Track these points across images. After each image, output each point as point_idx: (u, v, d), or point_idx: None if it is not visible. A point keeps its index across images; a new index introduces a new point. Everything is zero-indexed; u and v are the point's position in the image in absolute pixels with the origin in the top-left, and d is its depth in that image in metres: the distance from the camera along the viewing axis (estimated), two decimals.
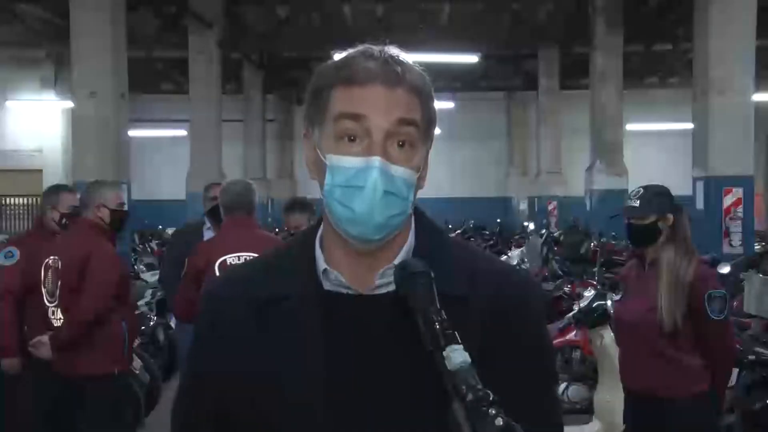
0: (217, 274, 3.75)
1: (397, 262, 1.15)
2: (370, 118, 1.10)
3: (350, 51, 1.16)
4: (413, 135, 1.13)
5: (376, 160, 1.09)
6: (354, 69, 1.13)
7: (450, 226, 14.76)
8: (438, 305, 1.04)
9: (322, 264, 1.18)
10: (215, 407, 1.21)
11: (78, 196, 4.59)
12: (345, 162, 1.11)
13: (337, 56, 1.18)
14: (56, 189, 4.70)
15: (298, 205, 4.99)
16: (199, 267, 3.91)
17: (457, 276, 1.15)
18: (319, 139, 1.16)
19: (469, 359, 0.97)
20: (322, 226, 1.22)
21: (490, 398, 0.93)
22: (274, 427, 1.14)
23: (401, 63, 1.14)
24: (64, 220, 4.43)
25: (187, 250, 5.15)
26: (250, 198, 4.08)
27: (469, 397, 0.93)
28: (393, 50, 1.16)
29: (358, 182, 1.09)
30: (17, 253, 4.36)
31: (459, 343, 0.99)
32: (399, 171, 1.11)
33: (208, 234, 5.21)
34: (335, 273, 1.16)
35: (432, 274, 1.07)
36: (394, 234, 1.14)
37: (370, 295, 1.15)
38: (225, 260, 3.79)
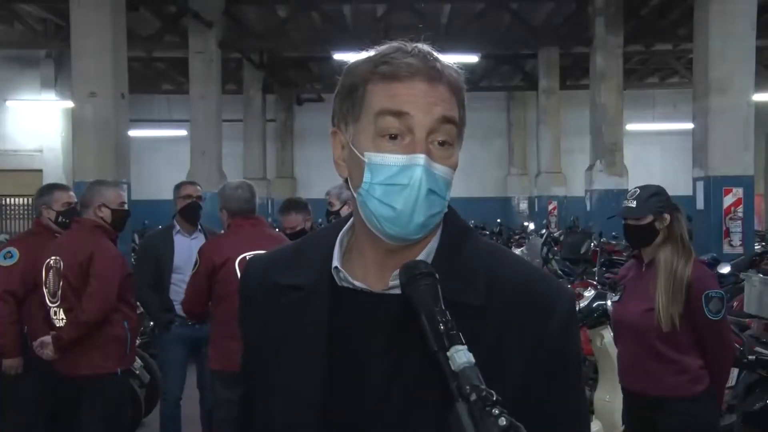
0: (237, 271, 3.86)
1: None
2: (414, 115, 1.08)
3: (382, 48, 1.14)
4: (453, 133, 1.12)
5: (421, 158, 1.07)
6: (394, 64, 1.10)
7: None
8: (443, 306, 1.02)
9: (335, 261, 1.17)
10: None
11: (71, 193, 4.59)
12: (388, 160, 1.08)
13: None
14: (49, 188, 4.68)
15: (294, 205, 5.05)
16: (215, 264, 4.00)
17: (475, 284, 1.12)
18: (353, 135, 1.14)
19: (473, 359, 0.97)
20: (348, 223, 1.22)
21: (494, 398, 0.92)
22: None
23: (439, 60, 1.13)
24: (60, 218, 4.42)
25: (159, 260, 5.06)
26: (255, 201, 4.27)
27: (473, 397, 0.92)
28: (426, 47, 1.14)
29: (401, 180, 1.07)
30: (17, 253, 4.34)
31: (463, 344, 0.98)
32: (441, 169, 1.10)
33: (178, 238, 5.14)
34: (344, 272, 1.16)
35: (436, 276, 1.06)
36: (428, 234, 1.14)
37: (381, 294, 1.14)
38: (245, 257, 3.85)
